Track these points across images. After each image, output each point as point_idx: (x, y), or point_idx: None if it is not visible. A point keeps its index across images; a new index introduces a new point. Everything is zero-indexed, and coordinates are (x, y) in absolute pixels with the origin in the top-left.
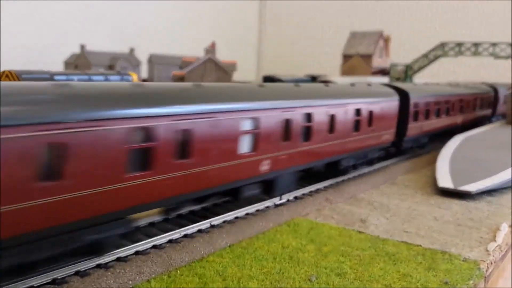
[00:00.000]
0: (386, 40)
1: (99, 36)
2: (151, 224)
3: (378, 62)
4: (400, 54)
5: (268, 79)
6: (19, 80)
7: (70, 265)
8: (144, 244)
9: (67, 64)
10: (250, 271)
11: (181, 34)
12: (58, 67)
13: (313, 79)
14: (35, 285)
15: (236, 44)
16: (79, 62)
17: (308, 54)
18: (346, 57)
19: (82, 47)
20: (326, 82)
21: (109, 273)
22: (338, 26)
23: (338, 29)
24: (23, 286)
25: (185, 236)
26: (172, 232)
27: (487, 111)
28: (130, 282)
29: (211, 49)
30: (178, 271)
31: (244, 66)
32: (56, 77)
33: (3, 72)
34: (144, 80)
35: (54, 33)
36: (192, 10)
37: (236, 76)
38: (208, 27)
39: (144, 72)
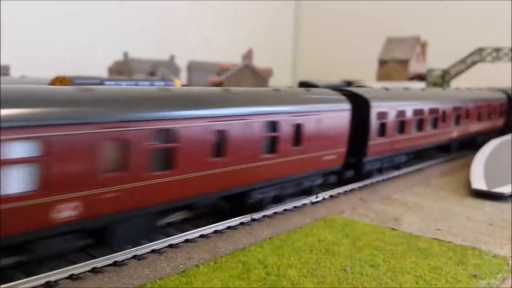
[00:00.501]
0: (423, 45)
1: (140, 44)
2: (199, 216)
3: (415, 67)
4: (437, 59)
5: (304, 85)
6: (72, 83)
7: (129, 250)
8: (193, 234)
9: (111, 70)
10: (289, 260)
11: (219, 41)
12: (102, 73)
13: (348, 84)
14: (98, 266)
15: (273, 50)
16: (122, 68)
17: (344, 59)
18: (382, 63)
19: (125, 54)
20: (360, 87)
21: (162, 257)
22: (374, 31)
23: (374, 34)
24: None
25: (229, 227)
26: (217, 224)
27: (497, 122)
28: (181, 266)
29: (248, 55)
30: (223, 258)
31: (280, 72)
32: (106, 82)
33: (56, 77)
34: (184, 86)
35: (98, 41)
36: (229, 17)
37: (272, 82)
38: (245, 34)
39: (183, 78)
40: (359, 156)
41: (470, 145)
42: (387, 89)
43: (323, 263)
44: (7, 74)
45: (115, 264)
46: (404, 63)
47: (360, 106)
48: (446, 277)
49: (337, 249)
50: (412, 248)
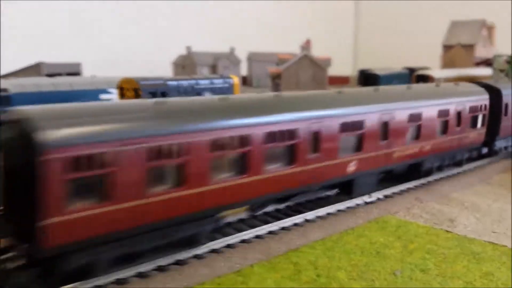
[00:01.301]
0: (490, 29)
1: (202, 37)
2: (254, 217)
3: (481, 52)
4: (507, 44)
5: (364, 73)
6: (138, 85)
7: (189, 250)
8: (248, 234)
9: (176, 64)
10: (339, 263)
11: (278, 31)
12: (167, 67)
13: (411, 71)
14: (162, 265)
15: (332, 38)
16: (186, 62)
17: (406, 45)
18: (447, 48)
19: (188, 48)
20: (424, 77)
21: (220, 257)
22: (438, 14)
23: (437, 18)
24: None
25: (283, 228)
26: (271, 224)
27: (473, 133)
28: (237, 265)
29: (306, 46)
30: (277, 259)
31: (340, 60)
32: (169, 83)
33: (124, 79)
34: (244, 78)
35: (163, 37)
36: (288, 7)
37: (332, 70)
38: (303, 22)
39: (244, 69)
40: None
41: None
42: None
43: (373, 266)
44: (78, 71)
45: (177, 263)
46: (469, 48)
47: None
48: (497, 283)
49: (388, 252)
50: (465, 252)
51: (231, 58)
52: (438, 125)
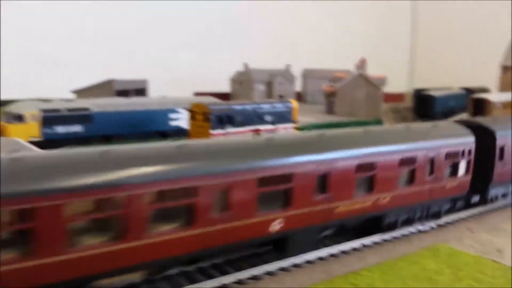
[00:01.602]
0: None
1: (258, 54)
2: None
3: None
4: None
5: (420, 94)
6: (208, 110)
7: (261, 266)
8: (310, 255)
9: (233, 81)
10: (394, 287)
11: (333, 49)
12: (225, 83)
13: (468, 92)
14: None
15: (387, 54)
16: (243, 79)
17: (464, 63)
18: (505, 69)
19: (246, 65)
20: (480, 101)
21: (289, 274)
22: (497, 32)
23: (496, 36)
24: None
25: (343, 252)
26: (331, 246)
27: (453, 182)
28: (304, 283)
29: (361, 65)
30: (337, 279)
31: (395, 76)
32: (235, 107)
33: (195, 104)
34: (299, 94)
35: (220, 53)
36: (344, 26)
37: (388, 89)
38: (359, 41)
39: (298, 86)
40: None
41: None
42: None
43: None
44: (144, 87)
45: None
46: None
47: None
48: None
49: (439, 278)
50: (510, 282)
51: (286, 75)
52: (401, 175)
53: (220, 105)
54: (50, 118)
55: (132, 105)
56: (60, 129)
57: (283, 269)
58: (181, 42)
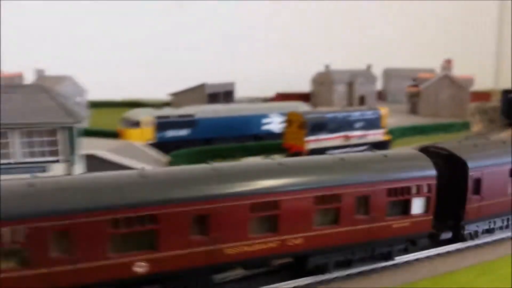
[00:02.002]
0: None
1: (338, 55)
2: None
3: None
4: None
5: (509, 96)
6: (303, 118)
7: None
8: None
9: (314, 81)
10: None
11: (415, 48)
12: (306, 83)
13: None
14: None
15: (473, 56)
16: (324, 79)
17: None
18: None
19: (327, 66)
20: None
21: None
22: None
23: None
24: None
25: (437, 255)
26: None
27: (406, 221)
28: (408, 280)
29: (447, 65)
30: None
31: (481, 76)
32: (327, 115)
33: (291, 112)
34: (379, 93)
35: (301, 54)
36: (427, 24)
37: (473, 87)
38: (443, 39)
39: (379, 86)
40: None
41: None
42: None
43: None
44: (232, 90)
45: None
46: None
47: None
48: None
49: None
50: None
51: (367, 75)
52: (319, 214)
53: (314, 114)
54: (162, 124)
55: (230, 111)
56: (170, 133)
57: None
58: (265, 45)
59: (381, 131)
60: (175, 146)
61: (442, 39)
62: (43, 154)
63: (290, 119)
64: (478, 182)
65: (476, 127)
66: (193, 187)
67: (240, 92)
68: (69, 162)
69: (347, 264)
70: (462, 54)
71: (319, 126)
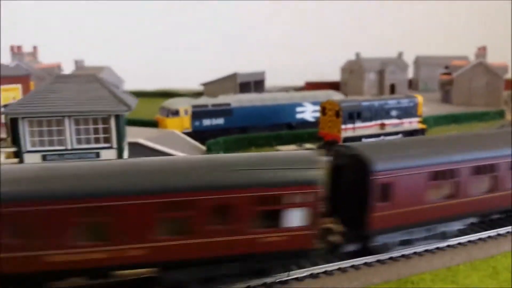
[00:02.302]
0: None
1: (369, 42)
2: None
3: None
4: None
5: None
6: (339, 107)
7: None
8: (453, 241)
9: (343, 69)
10: None
11: (448, 35)
12: (336, 72)
13: None
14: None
15: (506, 43)
16: (354, 67)
17: None
18: None
19: (357, 54)
20: None
21: (436, 255)
22: None
23: None
24: None
25: (479, 239)
26: (473, 234)
27: (277, 236)
28: (447, 264)
29: (481, 53)
30: (477, 262)
31: None
32: (363, 103)
33: (327, 101)
34: (410, 81)
35: (331, 42)
36: (460, 11)
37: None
38: (475, 26)
39: (410, 73)
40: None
41: None
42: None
43: None
44: (262, 79)
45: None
46: None
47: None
48: None
49: None
50: None
51: (398, 63)
52: (166, 222)
53: (350, 102)
54: (199, 113)
55: (264, 100)
56: (206, 122)
57: (428, 251)
58: (293, 33)
59: (417, 119)
60: (211, 135)
61: (474, 25)
62: (96, 140)
63: (325, 107)
64: (386, 187)
65: (510, 115)
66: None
67: (269, 82)
68: (120, 148)
69: (213, 281)
70: (494, 40)
71: (355, 114)
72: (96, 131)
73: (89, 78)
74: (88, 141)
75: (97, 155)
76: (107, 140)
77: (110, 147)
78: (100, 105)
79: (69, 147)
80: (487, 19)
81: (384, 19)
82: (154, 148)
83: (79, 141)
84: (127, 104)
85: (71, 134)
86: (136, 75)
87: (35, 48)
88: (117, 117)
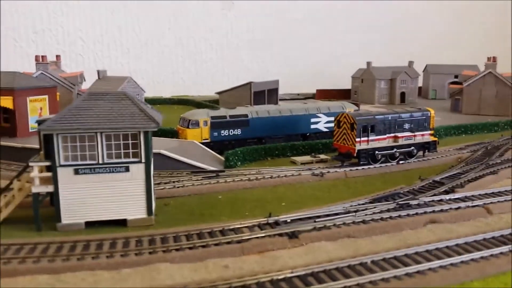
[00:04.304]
0: None
1: (380, 51)
2: None
3: None
4: None
5: None
6: (354, 120)
7: None
8: None
9: (354, 78)
10: None
11: (458, 44)
12: (347, 80)
13: None
14: None
15: None
16: (365, 76)
17: None
18: None
19: (368, 63)
20: None
21: None
22: None
23: None
24: None
25: None
26: None
27: None
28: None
29: (492, 63)
30: None
31: None
32: (377, 117)
33: (342, 114)
34: (420, 88)
35: (344, 52)
36: (471, 21)
37: None
38: (487, 35)
39: (421, 82)
40: None
41: None
42: None
43: None
44: (276, 87)
45: None
46: None
47: None
48: None
49: None
50: None
51: (409, 72)
52: None
53: (364, 116)
54: (217, 123)
55: (280, 111)
56: (224, 132)
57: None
58: (304, 42)
59: (429, 132)
60: (229, 145)
61: (484, 35)
62: (126, 155)
63: (340, 120)
64: None
65: None
66: None
67: (283, 90)
68: (147, 162)
69: None
70: (504, 51)
71: (369, 128)
72: (126, 146)
73: (120, 95)
74: (118, 155)
75: (127, 168)
76: (135, 155)
77: (139, 161)
78: (130, 122)
79: (100, 161)
80: (496, 30)
81: (395, 28)
82: (176, 159)
83: (109, 156)
84: (155, 121)
85: (102, 149)
86: (152, 81)
87: (57, 57)
88: (146, 133)
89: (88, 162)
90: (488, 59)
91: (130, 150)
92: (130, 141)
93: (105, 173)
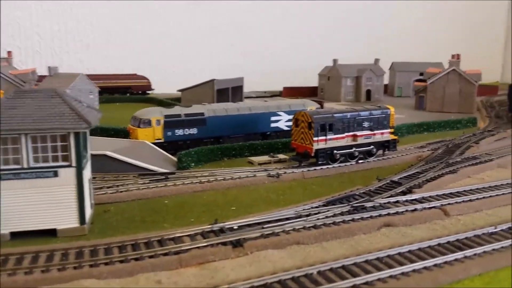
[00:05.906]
0: None
1: (346, 49)
2: None
3: None
4: None
5: None
6: (311, 119)
7: None
8: None
9: (321, 76)
10: None
11: (424, 41)
12: (314, 77)
13: None
14: None
15: (481, 51)
16: (331, 74)
17: None
18: None
19: (335, 61)
20: None
21: None
22: None
23: None
24: None
25: None
26: None
27: None
28: None
29: (455, 60)
30: None
31: (488, 69)
32: (336, 115)
33: (299, 113)
34: (386, 85)
35: (311, 49)
36: (435, 18)
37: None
38: (451, 34)
39: (386, 79)
40: None
41: None
42: None
43: None
44: (241, 84)
45: None
46: None
47: None
48: None
49: None
50: None
51: (374, 69)
52: None
53: (322, 114)
54: (171, 122)
55: (238, 109)
56: (179, 132)
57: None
58: (272, 40)
59: (388, 130)
60: (184, 145)
61: (449, 32)
62: (54, 159)
63: (298, 119)
64: None
65: (482, 123)
66: None
67: (248, 88)
68: (80, 166)
69: None
70: (469, 47)
71: (327, 126)
72: (54, 149)
73: (49, 93)
74: (45, 159)
75: (55, 173)
76: (65, 158)
77: (70, 165)
78: (59, 122)
79: (25, 165)
80: (461, 26)
81: (361, 26)
82: (122, 160)
83: (36, 160)
84: (87, 121)
85: (27, 152)
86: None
87: (9, 53)
88: (77, 134)
89: (11, 166)
90: (453, 56)
91: (59, 153)
92: (58, 143)
93: (31, 178)
